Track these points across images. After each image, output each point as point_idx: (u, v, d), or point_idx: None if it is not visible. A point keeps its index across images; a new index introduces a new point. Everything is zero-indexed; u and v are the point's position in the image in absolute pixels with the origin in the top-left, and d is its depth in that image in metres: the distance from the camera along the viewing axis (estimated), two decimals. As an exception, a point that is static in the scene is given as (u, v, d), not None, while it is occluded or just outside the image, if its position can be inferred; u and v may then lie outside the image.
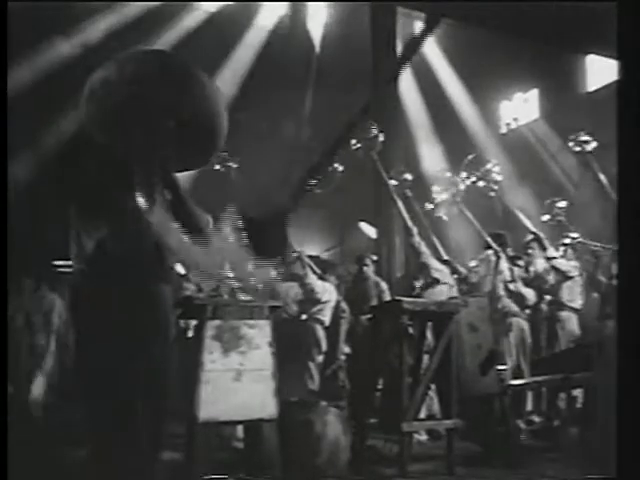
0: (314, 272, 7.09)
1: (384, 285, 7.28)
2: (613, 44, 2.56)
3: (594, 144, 6.55)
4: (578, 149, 6.60)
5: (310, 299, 6.98)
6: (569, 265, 6.75)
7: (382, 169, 6.52)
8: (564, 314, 6.69)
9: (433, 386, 5.17)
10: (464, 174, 7.02)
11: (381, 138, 6.34)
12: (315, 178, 6.20)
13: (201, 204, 2.96)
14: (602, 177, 6.61)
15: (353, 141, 6.22)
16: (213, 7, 10.91)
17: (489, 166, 6.88)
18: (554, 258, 6.74)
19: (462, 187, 6.97)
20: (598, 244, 6.83)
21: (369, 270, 7.34)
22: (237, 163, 6.17)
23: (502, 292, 6.60)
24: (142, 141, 2.72)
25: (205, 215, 3.01)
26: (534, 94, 12.67)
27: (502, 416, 5.11)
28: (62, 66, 9.77)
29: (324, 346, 6.97)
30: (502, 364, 5.50)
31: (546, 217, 7.08)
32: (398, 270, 8.63)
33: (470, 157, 6.78)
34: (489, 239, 6.72)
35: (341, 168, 6.27)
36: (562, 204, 6.98)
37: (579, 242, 6.91)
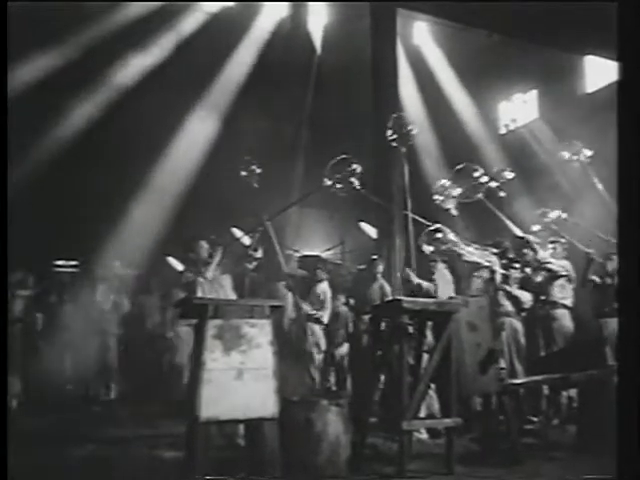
0: (313, 275, 7.13)
1: (386, 286, 7.29)
2: (612, 45, 2.58)
3: (589, 152, 6.60)
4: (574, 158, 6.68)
5: (309, 301, 7.02)
6: (559, 265, 6.86)
7: (406, 163, 6.36)
8: (558, 312, 6.80)
9: (433, 385, 5.19)
10: (461, 180, 6.99)
11: (415, 131, 6.18)
12: (334, 179, 6.04)
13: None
14: (597, 183, 6.66)
15: (389, 132, 6.06)
16: (214, 8, 10.90)
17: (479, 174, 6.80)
18: (546, 261, 6.83)
19: (460, 190, 6.95)
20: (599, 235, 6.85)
21: (369, 270, 7.36)
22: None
23: (499, 293, 6.65)
24: None
25: None
26: (533, 95, 12.68)
27: (501, 415, 5.13)
28: (62, 67, 9.78)
29: (323, 345, 7.02)
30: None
31: (537, 227, 7.18)
32: (399, 270, 8.64)
33: (461, 165, 6.70)
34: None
35: (360, 169, 6.13)
36: (554, 215, 7.03)
37: (568, 244, 6.99)
